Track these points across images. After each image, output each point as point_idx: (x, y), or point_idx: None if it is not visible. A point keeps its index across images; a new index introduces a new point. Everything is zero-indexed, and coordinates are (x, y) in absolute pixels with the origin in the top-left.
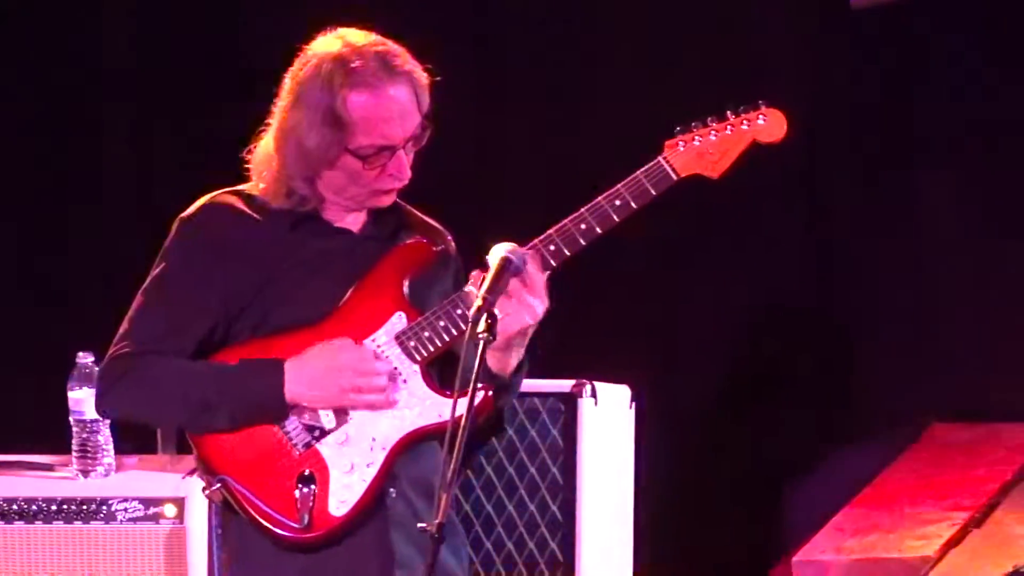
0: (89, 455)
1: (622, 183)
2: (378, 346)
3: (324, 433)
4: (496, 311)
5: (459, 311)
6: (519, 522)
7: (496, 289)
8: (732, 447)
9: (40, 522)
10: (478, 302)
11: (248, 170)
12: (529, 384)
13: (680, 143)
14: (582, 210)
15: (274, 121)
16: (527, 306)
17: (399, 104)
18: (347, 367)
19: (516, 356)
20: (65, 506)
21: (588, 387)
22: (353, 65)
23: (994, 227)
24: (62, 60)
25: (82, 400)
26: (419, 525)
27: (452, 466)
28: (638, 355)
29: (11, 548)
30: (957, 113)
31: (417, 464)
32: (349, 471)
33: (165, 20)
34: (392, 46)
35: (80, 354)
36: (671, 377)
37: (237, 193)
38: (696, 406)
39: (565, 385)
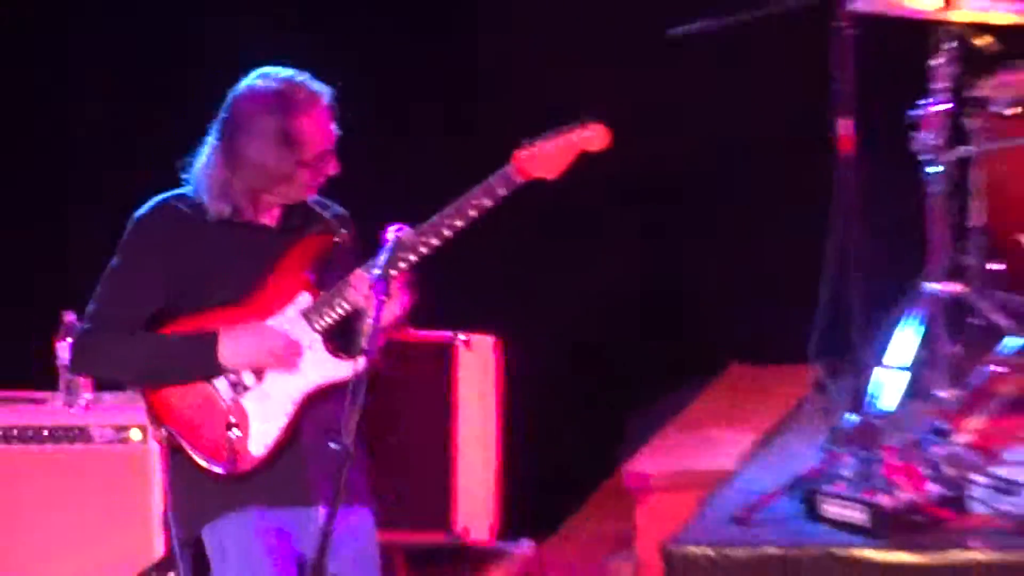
0: (72, 392)
1: (479, 186)
2: (287, 320)
3: (246, 389)
4: (392, 276)
5: (349, 290)
6: (403, 452)
7: (392, 263)
8: (580, 385)
9: (34, 444)
10: (378, 271)
11: (185, 180)
12: (415, 334)
13: (525, 152)
14: (448, 208)
15: (226, 152)
16: (396, 304)
17: (326, 118)
18: (267, 338)
19: (385, 336)
20: (53, 431)
21: (462, 337)
22: (293, 97)
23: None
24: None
25: (67, 351)
26: (331, 444)
27: (356, 401)
28: (499, 311)
29: (9, 465)
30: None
31: (323, 408)
32: (266, 420)
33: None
34: (306, 75)
35: (66, 314)
36: (527, 329)
37: (181, 198)
38: (550, 353)
39: (444, 335)
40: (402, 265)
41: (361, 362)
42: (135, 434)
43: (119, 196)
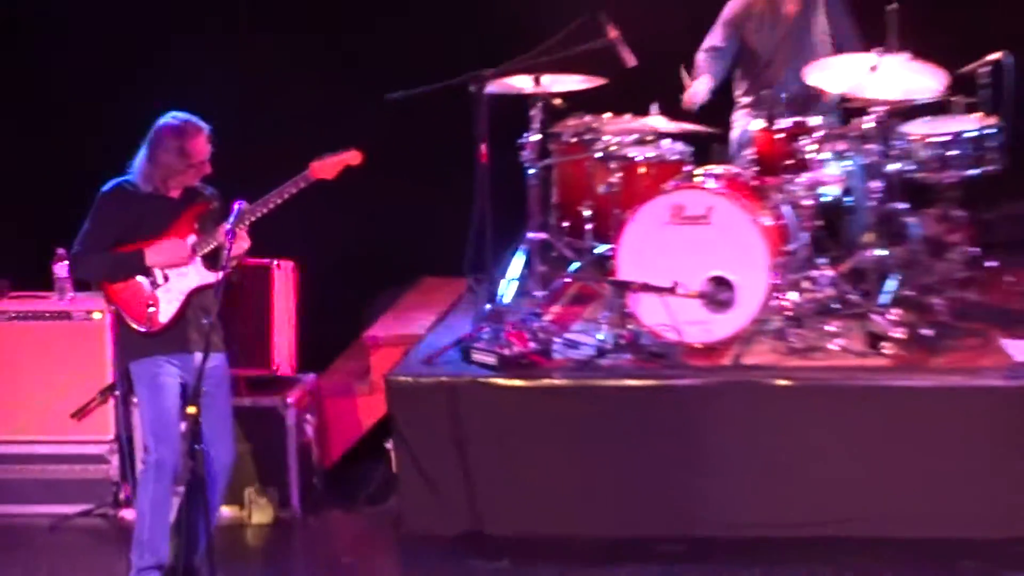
0: (61, 291)
1: (289, 182)
2: (189, 246)
3: (158, 285)
4: (238, 228)
5: (217, 234)
6: (244, 325)
7: (238, 221)
8: (341, 286)
9: (39, 321)
10: (228, 226)
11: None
12: (250, 260)
13: (317, 163)
14: (270, 194)
15: (149, 156)
16: (242, 244)
17: (206, 141)
18: (175, 247)
19: (235, 260)
20: (50, 314)
21: (276, 262)
22: (186, 130)
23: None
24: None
25: (58, 269)
26: (203, 320)
27: (217, 295)
28: (296, 248)
29: (23, 336)
30: None
31: (200, 298)
32: (169, 303)
33: None
34: (196, 117)
35: (59, 249)
36: (312, 256)
37: (127, 181)
38: (324, 268)
39: (266, 261)
40: (245, 222)
41: (220, 275)
42: (96, 315)
43: (91, 167)
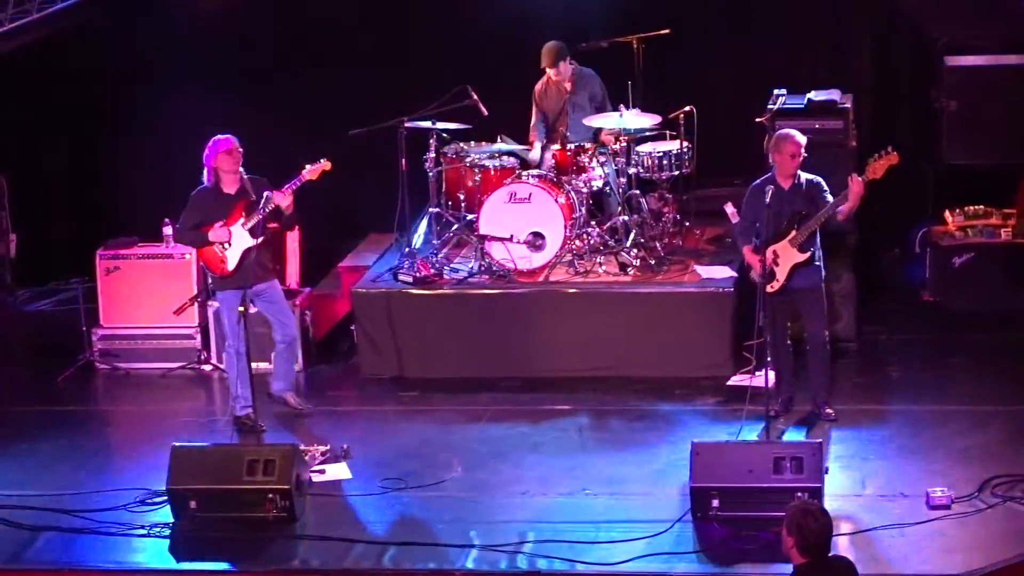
0: (167, 243)
1: (292, 179)
2: (238, 228)
3: (226, 248)
4: (267, 211)
5: (262, 211)
6: (274, 263)
7: (263, 206)
8: (330, 235)
9: (154, 260)
10: (274, 197)
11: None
12: (273, 228)
13: (307, 168)
14: (284, 186)
15: (207, 166)
16: (284, 201)
17: (234, 146)
18: (220, 232)
19: (268, 233)
20: (162, 255)
21: (293, 233)
22: (224, 145)
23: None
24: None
25: (165, 230)
26: (256, 267)
27: (255, 250)
28: (306, 221)
29: (146, 267)
30: None
31: (253, 253)
32: (234, 257)
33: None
34: (224, 136)
35: (165, 219)
36: (317, 220)
37: (204, 186)
38: (318, 224)
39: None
40: (269, 206)
41: (259, 240)
42: (186, 257)
43: (190, 177)
